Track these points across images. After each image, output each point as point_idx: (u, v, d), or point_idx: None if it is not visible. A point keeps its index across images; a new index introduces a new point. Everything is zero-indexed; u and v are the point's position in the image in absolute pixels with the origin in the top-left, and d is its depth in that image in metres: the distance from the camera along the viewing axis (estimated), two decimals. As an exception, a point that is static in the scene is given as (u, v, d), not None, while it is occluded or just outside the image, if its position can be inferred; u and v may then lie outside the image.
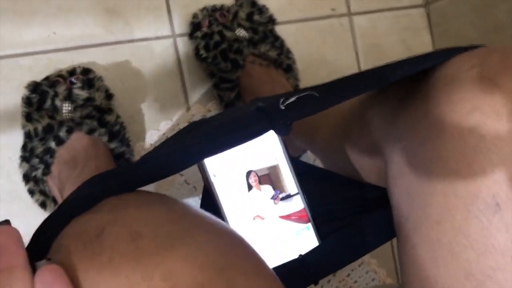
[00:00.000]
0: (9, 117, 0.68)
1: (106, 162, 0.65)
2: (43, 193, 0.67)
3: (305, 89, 0.33)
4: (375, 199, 0.44)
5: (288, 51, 0.77)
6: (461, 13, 0.82)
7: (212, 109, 0.78)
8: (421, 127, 0.33)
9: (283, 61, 0.76)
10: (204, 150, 0.32)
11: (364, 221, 0.44)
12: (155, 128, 0.75)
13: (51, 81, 0.66)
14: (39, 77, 0.68)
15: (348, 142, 0.46)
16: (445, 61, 0.34)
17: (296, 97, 0.33)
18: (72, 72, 0.68)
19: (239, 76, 0.73)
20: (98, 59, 0.73)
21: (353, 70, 0.87)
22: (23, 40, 0.70)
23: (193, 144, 0.33)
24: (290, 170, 0.43)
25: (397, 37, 0.89)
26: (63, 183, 0.64)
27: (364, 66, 0.88)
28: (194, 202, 0.75)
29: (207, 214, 0.30)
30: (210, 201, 0.42)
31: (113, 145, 0.67)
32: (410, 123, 0.34)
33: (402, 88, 0.37)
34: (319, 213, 0.44)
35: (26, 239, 0.67)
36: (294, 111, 0.33)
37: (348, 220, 0.45)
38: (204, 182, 0.42)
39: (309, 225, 0.44)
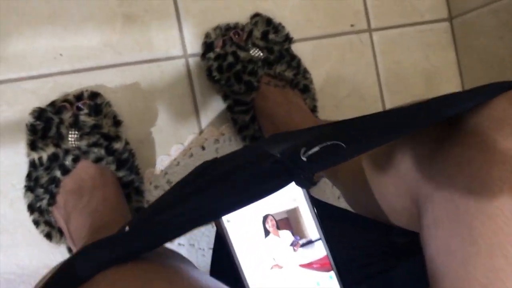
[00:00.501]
0: (13, 143, 0.65)
1: (114, 191, 0.62)
2: (48, 224, 0.64)
3: (330, 136, 0.29)
4: (404, 245, 0.40)
5: (305, 71, 0.73)
6: (489, 28, 0.77)
7: (225, 132, 0.74)
8: (463, 176, 0.29)
9: (300, 81, 0.72)
10: (215, 211, 0.29)
11: (393, 270, 0.40)
12: (166, 153, 0.72)
13: (57, 106, 0.63)
14: (44, 101, 0.65)
15: (375, 180, 0.41)
16: (488, 99, 0.30)
17: (319, 147, 0.29)
18: (79, 96, 0.65)
19: (253, 98, 0.69)
20: (106, 81, 0.70)
21: (374, 88, 0.83)
22: (27, 62, 0.67)
23: (202, 206, 0.29)
24: (311, 213, 0.39)
25: (420, 54, 0.84)
26: (69, 213, 0.61)
27: (386, 85, 0.83)
28: (207, 231, 0.71)
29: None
30: (223, 248, 0.38)
31: (121, 173, 0.64)
32: (450, 171, 0.30)
33: (438, 127, 0.33)
34: (342, 260, 0.40)
35: (30, 270, 0.63)
36: (316, 163, 0.29)
37: (375, 268, 0.41)
38: (216, 227, 0.38)
39: (332, 273, 0.39)
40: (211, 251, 0.71)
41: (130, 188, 0.66)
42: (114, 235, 0.29)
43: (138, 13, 0.71)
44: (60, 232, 0.65)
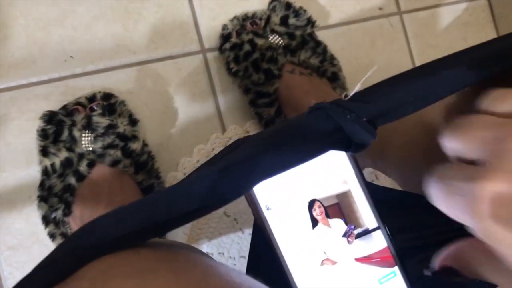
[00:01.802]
0: (26, 152, 0.61)
1: (133, 197, 0.57)
2: (65, 236, 0.59)
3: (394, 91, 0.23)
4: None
5: (332, 58, 0.67)
6: (531, 1, 0.70)
7: (250, 130, 0.68)
8: None
9: (327, 69, 0.66)
10: (260, 167, 0.22)
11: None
12: (187, 155, 0.66)
13: (69, 109, 0.59)
14: (56, 106, 0.60)
15: (438, 154, 0.35)
16: None
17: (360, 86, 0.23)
18: (91, 98, 0.60)
19: (277, 88, 0.63)
20: (121, 82, 0.65)
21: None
22: (37, 67, 0.62)
23: (242, 160, 0.23)
24: (366, 197, 0.33)
25: (457, 35, 0.78)
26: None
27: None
28: (237, 237, 0.65)
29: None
30: (263, 242, 0.32)
31: (140, 177, 0.58)
32: None
33: None
34: (406, 251, 0.33)
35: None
36: (364, 102, 0.23)
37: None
38: (254, 217, 0.32)
39: (396, 269, 0.33)
40: (242, 260, 0.65)
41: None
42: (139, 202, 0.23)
43: (151, 9, 0.67)
44: (78, 246, 0.59)
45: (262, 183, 0.27)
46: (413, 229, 0.33)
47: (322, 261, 0.32)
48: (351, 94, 0.24)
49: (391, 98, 0.23)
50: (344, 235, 0.32)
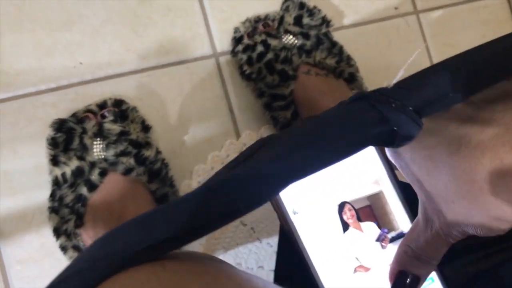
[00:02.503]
0: (35, 163, 0.59)
1: (147, 207, 0.55)
2: (77, 248, 0.57)
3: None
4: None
5: (349, 58, 0.65)
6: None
7: (265, 135, 0.66)
8: None
9: (344, 70, 0.64)
10: (292, 168, 0.20)
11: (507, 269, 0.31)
12: (201, 162, 0.64)
13: (79, 117, 0.57)
14: (65, 114, 0.59)
15: None
16: None
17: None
18: (102, 105, 0.59)
19: (292, 90, 0.61)
20: (131, 88, 0.63)
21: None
22: (45, 74, 0.61)
23: (271, 160, 0.21)
24: (399, 197, 0.30)
25: (476, 34, 0.76)
26: (98, 235, 0.54)
27: (439, 70, 0.75)
28: (254, 247, 0.63)
29: None
30: (290, 248, 0.30)
31: (154, 186, 0.56)
32: None
33: None
34: (444, 255, 0.31)
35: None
36: (410, 90, 0.21)
37: (484, 264, 0.31)
38: (280, 221, 0.30)
39: (434, 275, 0.30)
40: (260, 270, 0.62)
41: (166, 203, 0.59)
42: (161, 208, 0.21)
43: (161, 13, 0.65)
44: (91, 258, 0.57)
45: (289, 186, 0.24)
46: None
47: (355, 268, 0.30)
48: (394, 81, 0.22)
49: (440, 85, 0.21)
50: (378, 240, 0.30)
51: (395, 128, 0.21)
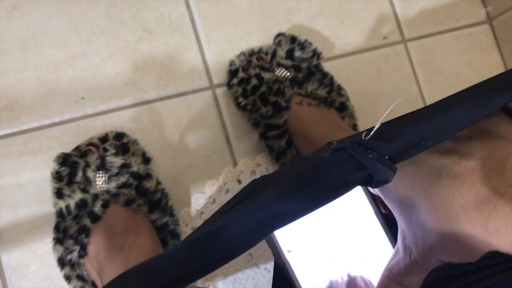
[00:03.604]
0: (40, 194, 0.61)
1: (148, 237, 0.57)
2: (80, 278, 0.59)
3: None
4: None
5: (340, 88, 0.68)
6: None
7: (261, 163, 0.69)
8: None
9: (335, 99, 0.66)
10: (278, 216, 0.23)
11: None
12: (200, 190, 0.66)
13: (82, 150, 0.59)
14: (68, 147, 0.61)
15: None
16: None
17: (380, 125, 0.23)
18: (104, 138, 0.61)
19: (286, 120, 0.64)
20: (132, 120, 0.66)
21: (417, 101, 0.77)
22: (49, 109, 0.63)
23: (261, 208, 0.23)
24: (385, 232, 0.33)
25: (462, 60, 0.79)
26: (101, 265, 0.56)
27: (428, 96, 0.77)
28: (253, 272, 0.64)
29: None
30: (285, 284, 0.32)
31: (154, 216, 0.59)
32: None
33: None
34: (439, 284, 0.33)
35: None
36: (386, 141, 0.23)
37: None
38: (275, 258, 0.32)
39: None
40: (259, 295, 0.64)
41: (165, 232, 0.61)
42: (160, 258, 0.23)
43: (159, 48, 0.68)
44: (94, 286, 0.59)
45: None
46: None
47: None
48: (372, 132, 0.24)
49: (412, 134, 0.23)
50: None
51: (373, 174, 0.24)
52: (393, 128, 0.25)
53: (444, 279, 0.33)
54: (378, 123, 0.25)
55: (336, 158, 0.24)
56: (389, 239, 0.33)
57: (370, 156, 0.23)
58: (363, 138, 0.24)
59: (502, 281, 0.32)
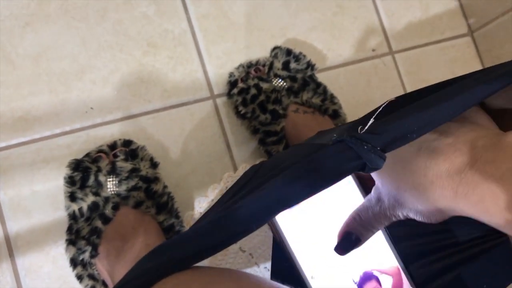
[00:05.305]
0: (52, 199, 0.65)
1: (156, 237, 0.61)
2: (92, 277, 0.62)
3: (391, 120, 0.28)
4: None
5: (332, 96, 0.73)
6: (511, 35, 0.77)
7: (260, 168, 0.73)
8: None
9: (329, 107, 0.71)
10: (280, 198, 0.27)
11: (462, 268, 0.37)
12: (202, 194, 0.70)
13: (93, 157, 0.63)
14: (78, 155, 0.65)
15: None
16: None
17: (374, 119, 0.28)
18: (112, 146, 0.65)
19: (283, 127, 0.68)
20: (138, 129, 0.70)
21: (403, 110, 0.82)
22: (60, 119, 0.67)
23: (270, 192, 0.27)
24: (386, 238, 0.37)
25: (446, 70, 0.84)
26: (112, 265, 0.59)
27: (415, 104, 0.82)
28: (253, 271, 0.68)
29: None
30: (284, 259, 0.36)
31: (161, 217, 0.62)
32: None
33: None
34: (408, 257, 0.38)
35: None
36: (379, 135, 0.28)
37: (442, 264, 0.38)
38: (273, 235, 0.36)
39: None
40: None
41: (172, 232, 0.64)
42: (174, 239, 0.28)
43: (162, 61, 0.73)
44: (105, 285, 0.63)
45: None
46: (414, 236, 0.38)
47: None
48: (366, 127, 0.28)
49: (399, 129, 0.28)
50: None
51: (367, 162, 0.28)
52: (384, 123, 0.29)
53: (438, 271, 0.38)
54: (371, 120, 0.29)
55: (336, 148, 0.29)
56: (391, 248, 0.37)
57: (365, 147, 0.27)
58: (359, 131, 0.28)
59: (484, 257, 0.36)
